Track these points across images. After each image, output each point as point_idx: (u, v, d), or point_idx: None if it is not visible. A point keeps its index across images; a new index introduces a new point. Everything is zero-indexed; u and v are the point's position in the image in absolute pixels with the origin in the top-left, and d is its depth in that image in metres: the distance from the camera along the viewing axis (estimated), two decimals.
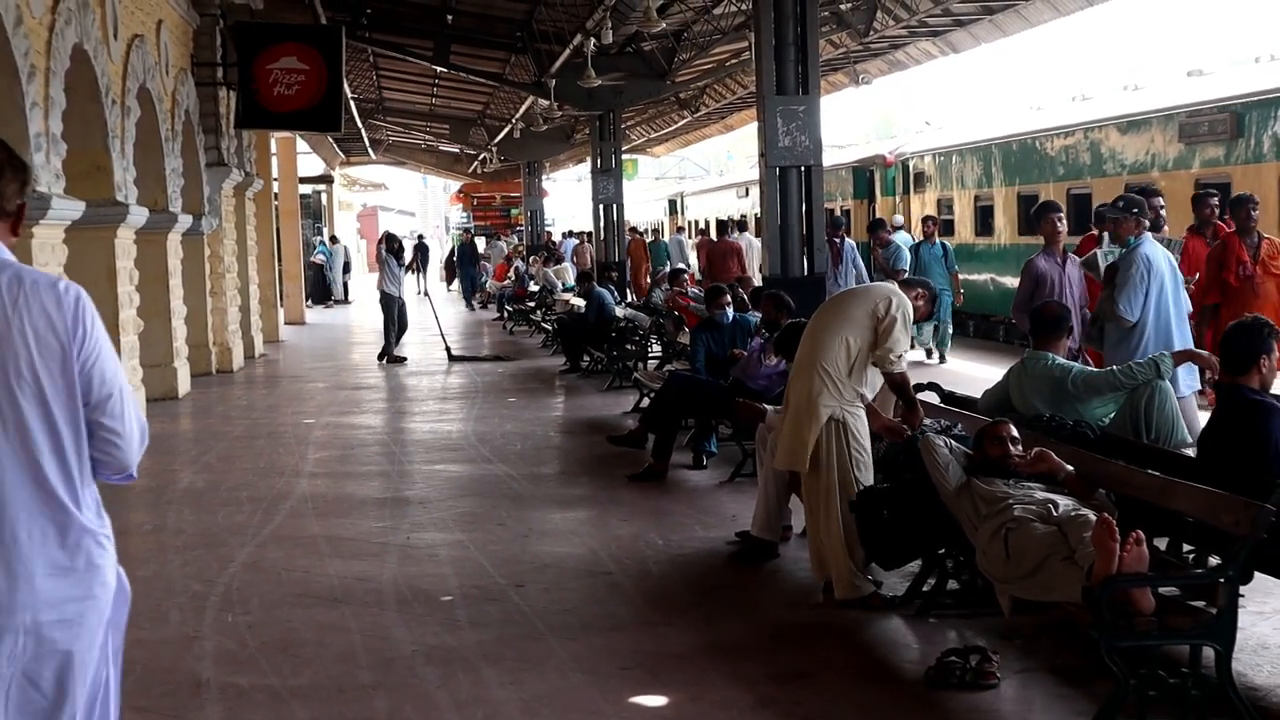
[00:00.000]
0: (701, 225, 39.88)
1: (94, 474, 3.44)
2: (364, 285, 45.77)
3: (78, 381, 3.35)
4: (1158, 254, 9.12)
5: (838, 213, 27.35)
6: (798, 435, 7.14)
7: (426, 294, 33.23)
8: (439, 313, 24.69)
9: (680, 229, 39.43)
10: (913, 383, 8.24)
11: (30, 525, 3.30)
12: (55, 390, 3.33)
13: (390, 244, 22.36)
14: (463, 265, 38.73)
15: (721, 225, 24.96)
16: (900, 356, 7.18)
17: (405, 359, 21.27)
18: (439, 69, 25.64)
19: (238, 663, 6.38)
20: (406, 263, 24.12)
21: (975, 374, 15.71)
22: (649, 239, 37.16)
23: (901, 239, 19.39)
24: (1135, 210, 9.20)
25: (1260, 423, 5.70)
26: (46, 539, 3.32)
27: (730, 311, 12.15)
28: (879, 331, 7.10)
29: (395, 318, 21.33)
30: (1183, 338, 9.03)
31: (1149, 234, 9.36)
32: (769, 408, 8.86)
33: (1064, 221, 10.38)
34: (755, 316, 12.09)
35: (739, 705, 5.62)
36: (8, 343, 3.30)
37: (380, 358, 21.34)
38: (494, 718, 5.56)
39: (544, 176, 43.68)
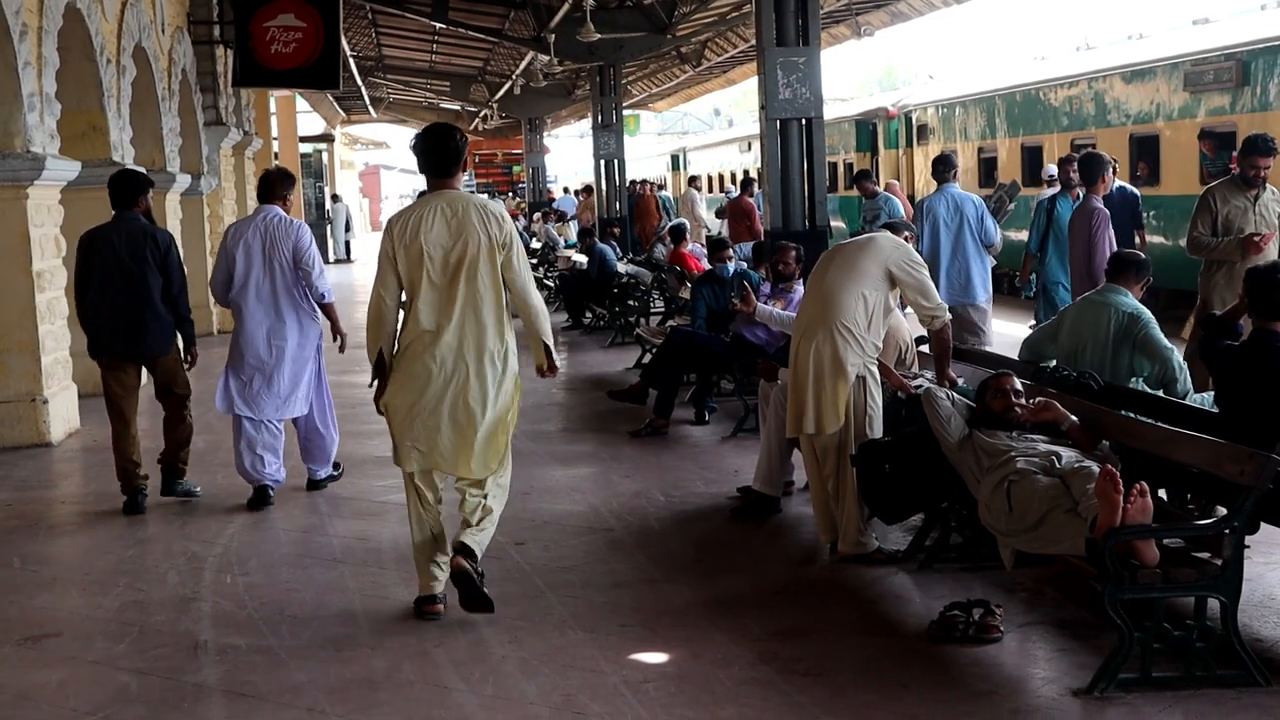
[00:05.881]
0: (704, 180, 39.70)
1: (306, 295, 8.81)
2: (366, 244, 45.63)
3: (294, 254, 8.64)
4: (940, 203, 11.76)
5: (840, 167, 27.28)
6: (827, 397, 6.92)
7: None
8: None
9: (661, 187, 38.66)
10: (915, 336, 8.22)
11: (285, 310, 8.69)
12: (289, 257, 8.64)
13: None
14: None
15: (742, 183, 23.86)
16: (941, 304, 7.15)
17: None
18: (438, 25, 25.41)
19: (236, 624, 6.35)
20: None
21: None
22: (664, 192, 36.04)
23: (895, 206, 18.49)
24: (940, 169, 12.03)
25: None
26: (289, 321, 8.72)
27: (732, 266, 12.06)
28: (909, 288, 7.03)
29: None
30: (955, 271, 11.59)
31: (951, 185, 11.88)
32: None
33: None
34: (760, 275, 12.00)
35: (740, 661, 5.58)
36: (273, 243, 8.62)
37: None
38: (493, 676, 5.52)
39: (546, 133, 43.40)
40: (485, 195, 7.13)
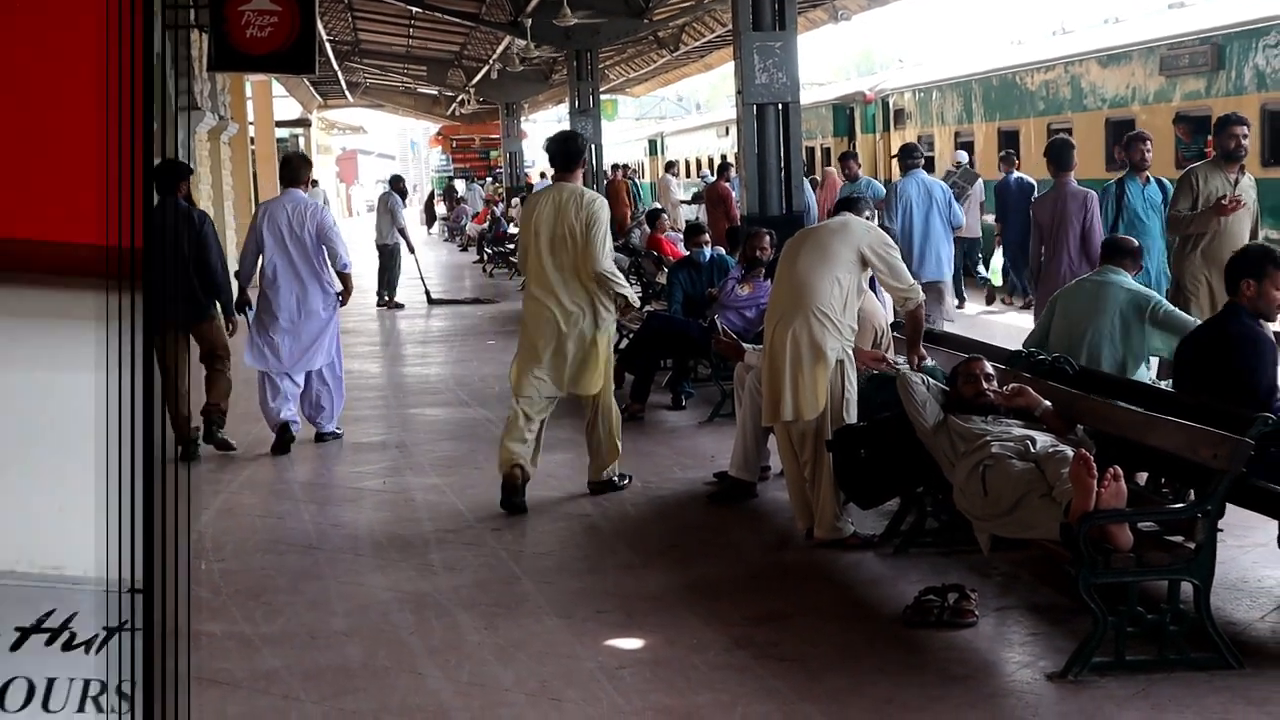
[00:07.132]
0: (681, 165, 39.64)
1: (329, 265, 10.10)
2: (344, 230, 45.43)
3: (317, 232, 9.92)
4: (911, 186, 12.62)
5: (817, 151, 27.27)
6: (806, 382, 6.87)
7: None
8: (418, 256, 24.50)
9: (629, 169, 38.50)
10: (890, 322, 8.22)
11: (306, 281, 9.93)
12: (312, 235, 9.90)
13: (396, 185, 22.61)
14: None
15: (719, 168, 23.88)
16: (914, 285, 7.19)
17: (402, 304, 21.36)
18: (414, 9, 25.30)
19: (210, 610, 6.31)
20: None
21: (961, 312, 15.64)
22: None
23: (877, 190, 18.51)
24: (907, 156, 13.13)
25: (1236, 351, 5.79)
26: (312, 288, 9.96)
27: (708, 250, 12.05)
28: (882, 271, 7.05)
29: (399, 260, 21.77)
30: (928, 250, 12.40)
31: (919, 171, 12.90)
32: (748, 346, 8.78)
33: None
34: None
35: (715, 647, 5.58)
36: (299, 222, 9.87)
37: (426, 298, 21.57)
38: (468, 663, 5.51)
39: (523, 118, 43.27)
40: (590, 188, 7.82)
